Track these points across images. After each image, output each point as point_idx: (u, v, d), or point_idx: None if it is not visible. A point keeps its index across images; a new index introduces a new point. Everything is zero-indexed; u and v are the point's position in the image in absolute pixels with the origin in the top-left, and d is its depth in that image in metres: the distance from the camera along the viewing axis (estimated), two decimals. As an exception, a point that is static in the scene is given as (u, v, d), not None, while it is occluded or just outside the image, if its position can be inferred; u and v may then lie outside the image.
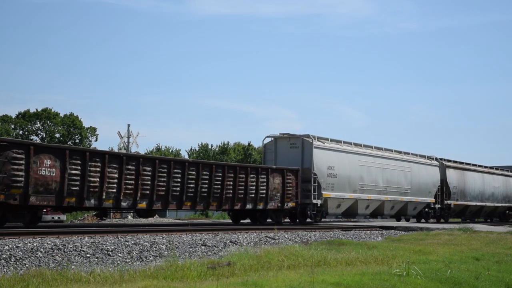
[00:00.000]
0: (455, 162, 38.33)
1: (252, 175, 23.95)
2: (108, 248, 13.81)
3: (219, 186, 22.61)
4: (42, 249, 12.79)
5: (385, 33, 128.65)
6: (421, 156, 34.95)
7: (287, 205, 25.42)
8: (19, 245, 12.85)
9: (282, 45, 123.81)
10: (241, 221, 26.65)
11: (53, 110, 70.90)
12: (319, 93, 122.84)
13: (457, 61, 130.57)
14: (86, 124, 72.89)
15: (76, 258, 12.80)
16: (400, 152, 33.24)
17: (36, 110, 70.48)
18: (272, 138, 28.01)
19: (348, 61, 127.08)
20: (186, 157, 71.99)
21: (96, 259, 12.95)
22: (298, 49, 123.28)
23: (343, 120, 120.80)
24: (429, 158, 35.80)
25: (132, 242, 14.83)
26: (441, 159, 36.66)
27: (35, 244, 13.08)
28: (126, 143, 51.28)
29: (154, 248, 14.70)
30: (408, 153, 33.76)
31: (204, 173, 22.08)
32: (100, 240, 14.52)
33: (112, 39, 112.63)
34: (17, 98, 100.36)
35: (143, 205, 20.00)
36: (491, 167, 42.95)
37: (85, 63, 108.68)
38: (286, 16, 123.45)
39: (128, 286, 9.49)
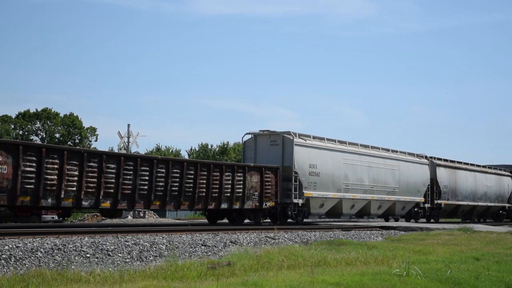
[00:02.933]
0: (446, 160, 37.36)
1: (227, 173, 23.07)
2: (108, 248, 13.82)
3: (191, 185, 21.78)
4: (42, 249, 12.80)
5: (386, 33, 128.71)
6: (410, 154, 33.95)
7: (265, 205, 24.62)
8: (19, 245, 12.86)
9: (282, 45, 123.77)
10: (218, 221, 25.90)
11: (53, 110, 70.92)
12: (319, 93, 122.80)
13: (457, 61, 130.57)
14: (86, 124, 72.94)
15: (76, 258, 12.81)
16: (387, 150, 32.26)
17: (36, 110, 70.49)
18: (252, 135, 26.88)
19: (348, 61, 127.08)
20: (186, 157, 72.02)
21: (96, 259, 12.95)
22: (298, 49, 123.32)
23: (343, 120, 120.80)
24: (419, 156, 34.79)
25: (132, 242, 14.84)
26: (431, 157, 35.71)
27: (35, 244, 13.09)
28: (126, 143, 51.19)
29: (154, 248, 14.70)
30: (396, 151, 32.82)
31: (175, 171, 21.25)
32: (100, 240, 14.53)
33: (112, 39, 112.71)
34: (17, 98, 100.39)
35: (106, 204, 19.02)
36: (483, 166, 41.95)
37: (85, 63, 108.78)
38: (286, 16, 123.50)
39: (128, 286, 9.50)
